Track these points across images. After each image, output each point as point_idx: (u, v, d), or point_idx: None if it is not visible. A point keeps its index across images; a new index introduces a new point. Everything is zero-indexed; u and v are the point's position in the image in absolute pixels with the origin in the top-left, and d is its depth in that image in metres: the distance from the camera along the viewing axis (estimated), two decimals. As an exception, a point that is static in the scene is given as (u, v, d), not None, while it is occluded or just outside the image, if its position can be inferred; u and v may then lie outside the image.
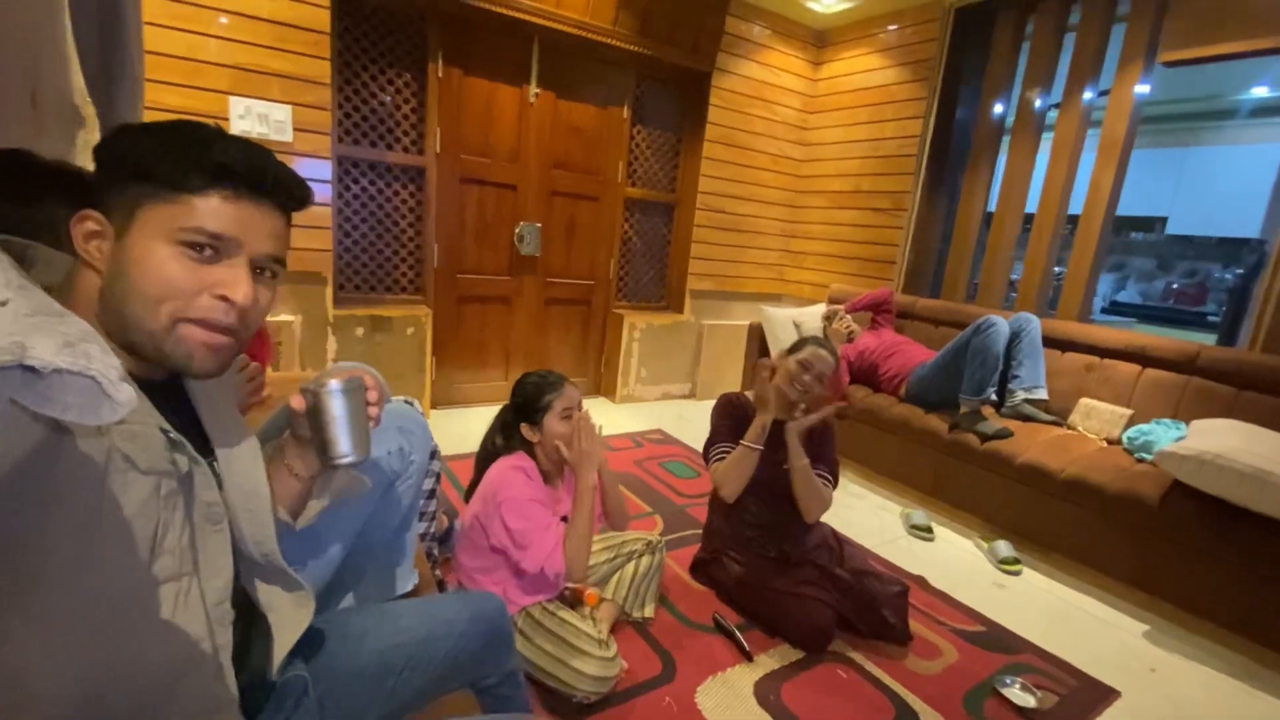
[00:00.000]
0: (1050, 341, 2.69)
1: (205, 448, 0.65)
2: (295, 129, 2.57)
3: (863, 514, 2.57)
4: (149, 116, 1.84)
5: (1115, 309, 10.09)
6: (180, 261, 0.56)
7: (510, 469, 1.45)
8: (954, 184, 3.54)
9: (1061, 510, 2.20)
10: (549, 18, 3.05)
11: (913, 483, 2.74)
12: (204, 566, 0.61)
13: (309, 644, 0.78)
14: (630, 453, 2.98)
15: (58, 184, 0.82)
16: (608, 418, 3.49)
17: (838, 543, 1.89)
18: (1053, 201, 3.03)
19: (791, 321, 3.48)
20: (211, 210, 0.57)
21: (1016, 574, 2.17)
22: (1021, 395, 2.57)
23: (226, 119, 2.42)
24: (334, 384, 0.69)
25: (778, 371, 1.76)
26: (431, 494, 1.54)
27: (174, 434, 0.58)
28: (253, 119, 2.49)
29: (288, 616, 0.71)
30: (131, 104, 1.81)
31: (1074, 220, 3.01)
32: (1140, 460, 2.16)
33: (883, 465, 2.87)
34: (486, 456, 1.58)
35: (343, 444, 0.70)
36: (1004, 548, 2.24)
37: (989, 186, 3.37)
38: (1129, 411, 2.41)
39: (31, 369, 0.30)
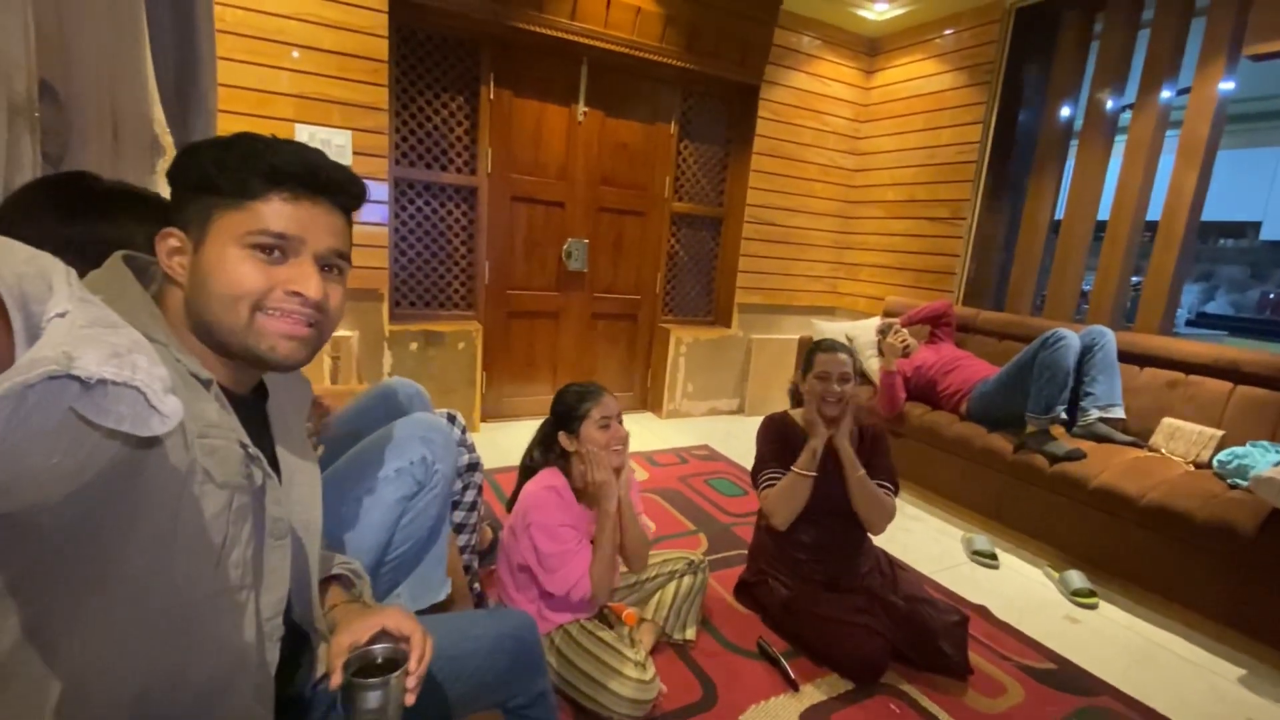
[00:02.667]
0: (1127, 356, 2.50)
1: (274, 467, 0.67)
2: (355, 153, 2.69)
3: (920, 538, 2.44)
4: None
5: (1203, 321, 9.36)
6: (251, 263, 0.60)
7: (543, 489, 1.44)
8: (1018, 191, 3.37)
9: (1142, 539, 2.03)
10: (597, 38, 3.10)
11: (975, 506, 2.59)
12: (264, 581, 0.62)
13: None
14: (676, 469, 2.94)
15: (126, 205, 0.86)
16: (654, 433, 3.47)
17: (891, 568, 1.80)
18: (1128, 207, 2.83)
19: (844, 335, 3.38)
20: (273, 212, 0.60)
21: (1092, 607, 2.01)
22: (1096, 414, 2.39)
23: (292, 145, 2.55)
24: (373, 685, 0.63)
25: (806, 395, 1.70)
26: (473, 506, 1.55)
27: (252, 448, 0.60)
28: (316, 145, 2.61)
29: (323, 640, 0.72)
30: (206, 134, 1.94)
31: (1152, 227, 2.81)
32: (1233, 486, 1.97)
33: (942, 487, 2.73)
34: (526, 470, 1.58)
35: None
36: (1077, 578, 2.08)
37: (1056, 193, 3.19)
38: (1220, 433, 2.21)
39: (79, 379, 0.30)
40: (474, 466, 1.50)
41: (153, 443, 0.47)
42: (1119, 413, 2.39)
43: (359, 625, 0.69)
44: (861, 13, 3.64)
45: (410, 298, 3.20)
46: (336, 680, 0.64)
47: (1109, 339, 2.45)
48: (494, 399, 3.42)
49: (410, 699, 0.65)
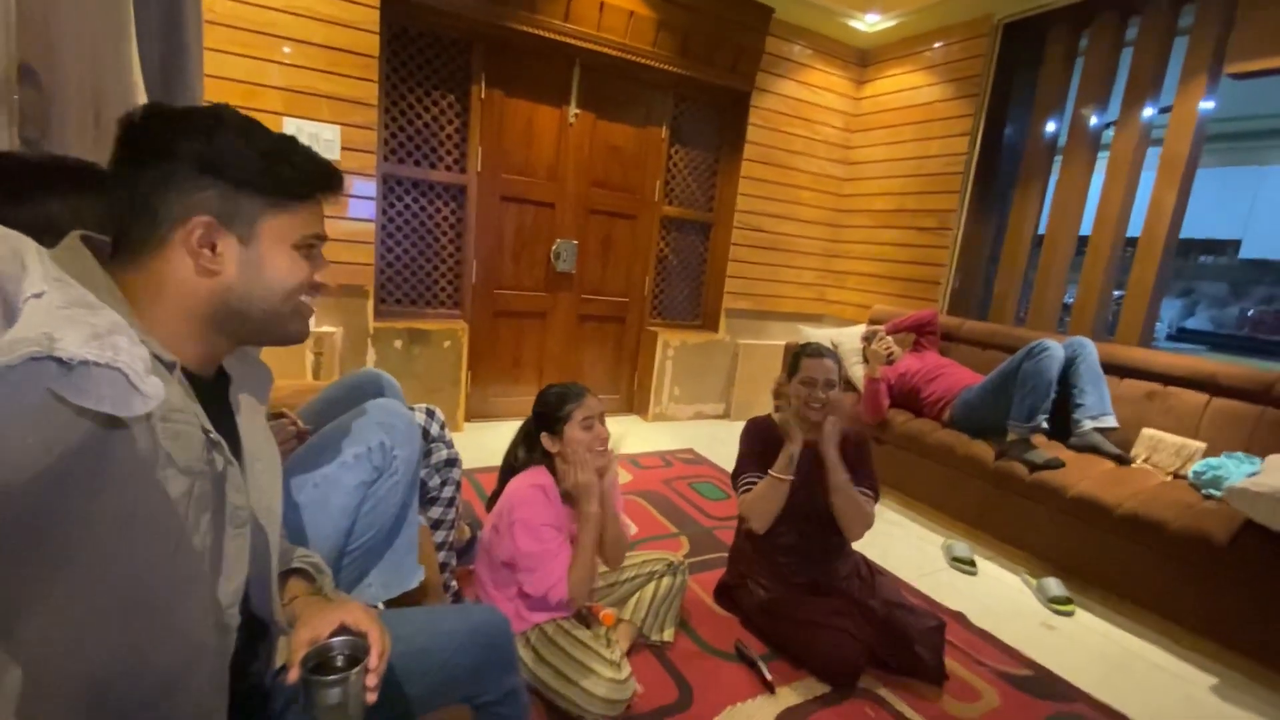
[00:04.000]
0: (1108, 368, 2.53)
1: (235, 453, 0.66)
2: (343, 148, 2.68)
3: (901, 544, 2.45)
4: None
5: (1184, 336, 9.52)
6: (299, 263, 0.66)
7: (529, 487, 1.43)
8: (1003, 204, 3.42)
9: (1118, 548, 2.05)
10: (590, 40, 3.11)
11: (955, 513, 2.60)
12: (222, 568, 0.61)
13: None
14: (659, 471, 2.94)
15: (66, 178, 0.82)
16: (639, 435, 3.46)
17: (870, 573, 1.80)
18: (1109, 222, 2.88)
19: (830, 342, 3.40)
20: (316, 216, 0.67)
21: (1068, 615, 2.03)
22: (1089, 424, 2.40)
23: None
24: (332, 681, 0.62)
25: (790, 400, 1.71)
26: (451, 503, 1.54)
27: (214, 434, 0.59)
28: (304, 138, 2.59)
29: (284, 631, 0.71)
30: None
31: (1133, 242, 2.86)
32: (1208, 497, 2.00)
33: (923, 493, 2.74)
34: (509, 469, 1.57)
35: None
36: (1054, 585, 2.10)
37: (1040, 207, 3.23)
38: (1202, 445, 2.23)
39: (60, 360, 0.29)
40: (452, 463, 1.49)
41: (120, 424, 0.46)
42: (1111, 421, 2.40)
43: (318, 620, 0.68)
44: (853, 23, 3.68)
45: (396, 295, 3.18)
46: (294, 675, 0.64)
47: (1090, 349, 2.48)
48: (479, 399, 3.41)
49: (371, 697, 0.65)
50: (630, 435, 3.42)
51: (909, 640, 1.56)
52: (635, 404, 3.90)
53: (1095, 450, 2.34)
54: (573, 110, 3.32)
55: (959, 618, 1.92)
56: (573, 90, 3.30)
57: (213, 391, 0.66)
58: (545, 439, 1.49)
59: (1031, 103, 3.25)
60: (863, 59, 3.96)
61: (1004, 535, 2.41)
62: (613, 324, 3.75)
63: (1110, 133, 2.94)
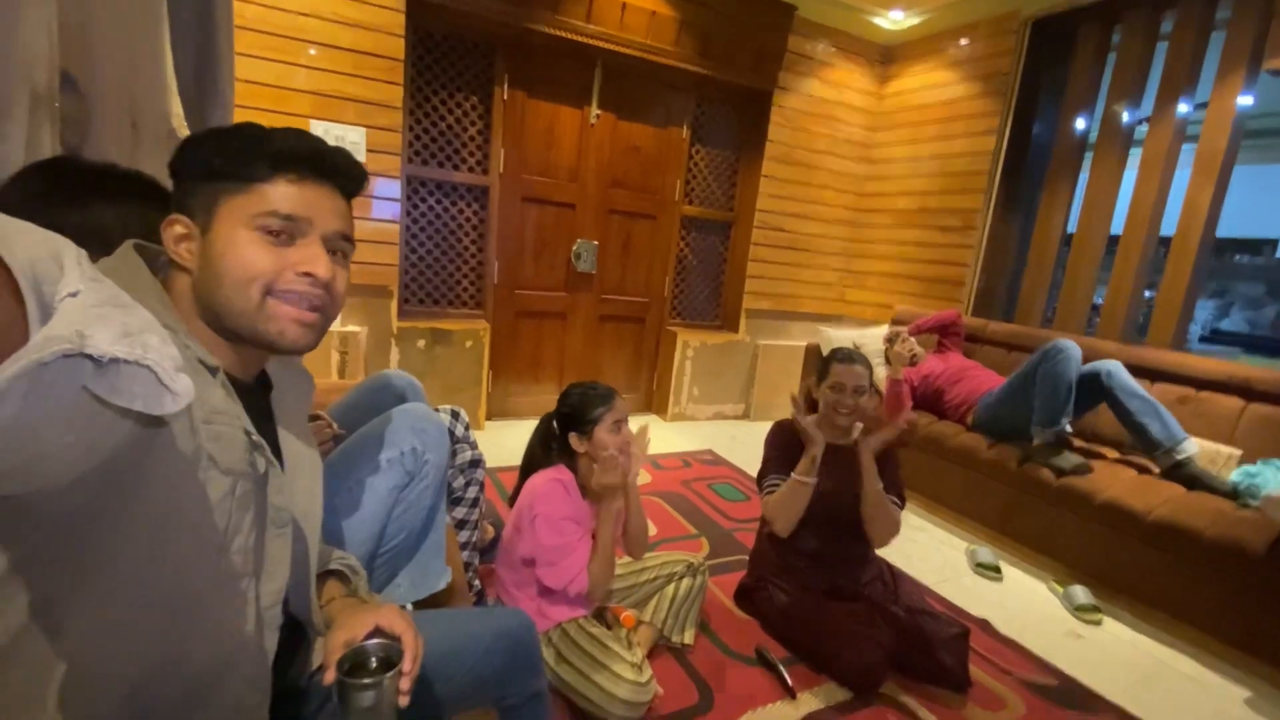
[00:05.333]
0: (1139, 371, 2.47)
1: (276, 456, 0.68)
2: (368, 150, 2.71)
3: (924, 549, 2.42)
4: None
5: (1217, 337, 9.25)
6: (261, 245, 0.60)
7: (550, 481, 1.45)
8: (1030, 202, 3.35)
9: (1148, 556, 2.00)
10: (612, 41, 3.11)
11: (979, 518, 2.57)
12: (264, 569, 0.62)
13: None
14: (679, 472, 2.94)
15: (120, 185, 0.85)
16: (658, 436, 3.45)
17: (893, 578, 1.79)
18: (1141, 221, 2.81)
19: (851, 343, 3.37)
20: (280, 194, 0.61)
21: (1096, 624, 1.99)
22: (1175, 458, 2.11)
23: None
24: (367, 684, 0.63)
25: (820, 403, 1.70)
26: (475, 503, 1.55)
27: (256, 435, 0.60)
28: (330, 140, 2.64)
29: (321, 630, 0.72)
30: (223, 124, 1.96)
31: (1166, 242, 2.79)
32: (1244, 505, 1.94)
33: (946, 498, 2.71)
34: (528, 467, 1.58)
35: None
36: (1081, 594, 2.06)
37: (1069, 205, 3.17)
38: (1237, 451, 2.18)
39: (90, 358, 0.30)
40: (476, 463, 1.51)
41: (160, 425, 0.47)
42: (1191, 448, 2.12)
43: (354, 622, 0.69)
44: (877, 21, 3.64)
45: (419, 295, 3.21)
46: (330, 676, 0.64)
47: (1119, 373, 2.26)
48: (500, 398, 3.43)
49: (404, 700, 0.65)
50: (650, 435, 3.42)
51: (932, 647, 1.55)
52: (654, 404, 3.91)
53: (1201, 486, 2.05)
54: (594, 111, 3.33)
55: (983, 624, 1.90)
56: (594, 91, 3.31)
57: (255, 395, 0.67)
58: (573, 439, 1.50)
59: (1061, 99, 3.18)
60: (886, 56, 3.91)
61: (1029, 541, 2.38)
62: (632, 324, 3.76)
63: (1143, 129, 2.87)
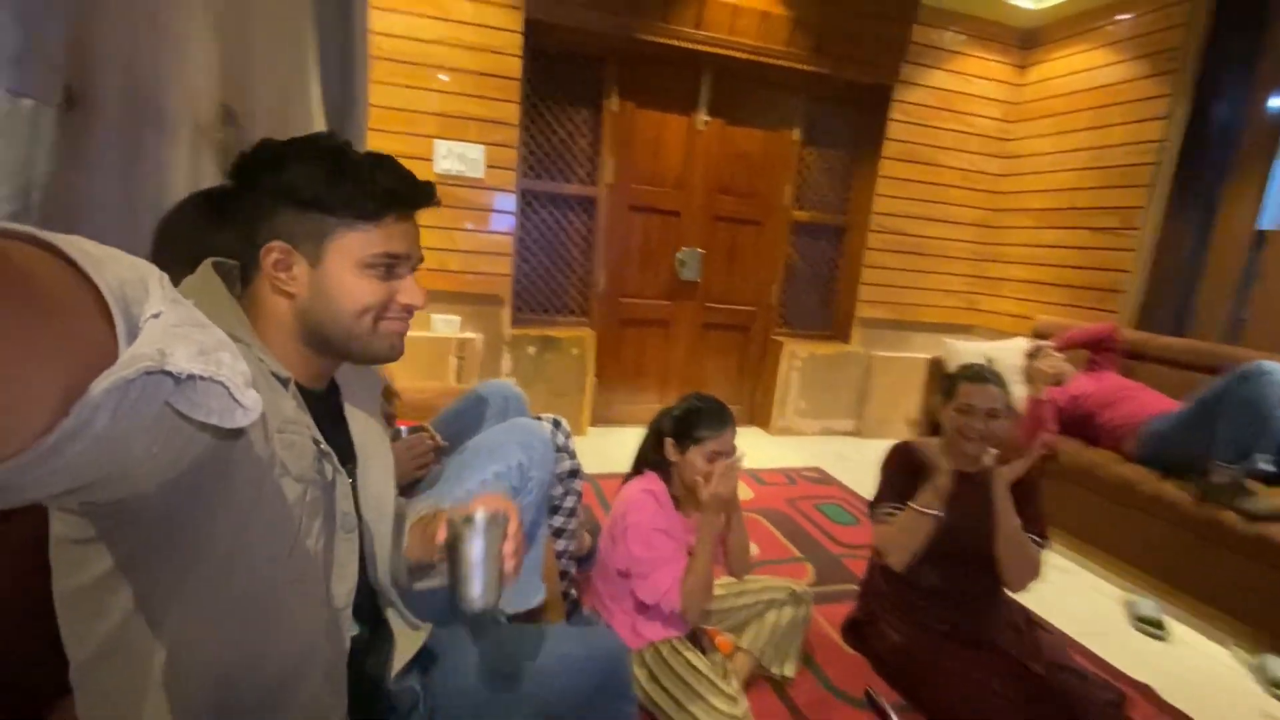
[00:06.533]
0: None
1: (348, 458, 0.70)
2: (487, 165, 2.85)
3: (1068, 594, 2.13)
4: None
5: None
6: (372, 283, 0.64)
7: (641, 492, 1.41)
8: (1209, 197, 2.88)
9: (1377, 628, 1.62)
10: (722, 45, 3.06)
11: (1139, 563, 2.22)
12: (334, 571, 0.65)
13: (426, 656, 0.79)
14: (782, 489, 2.81)
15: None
16: (761, 450, 3.34)
17: (1029, 625, 1.57)
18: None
19: (983, 357, 3.06)
20: (388, 235, 0.64)
21: (1299, 705, 1.64)
22: None
23: (430, 159, 2.76)
24: (478, 518, 0.67)
25: (944, 426, 1.52)
26: (573, 512, 1.56)
27: (324, 445, 0.63)
28: (453, 159, 2.81)
29: (406, 627, 0.74)
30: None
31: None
32: None
33: (1098, 537, 2.37)
34: (637, 470, 1.55)
35: (473, 588, 0.67)
36: (1278, 665, 1.71)
37: (1260, 199, 2.68)
38: None
39: (170, 374, 0.32)
40: (575, 473, 1.51)
41: (237, 436, 0.50)
42: None
43: (461, 506, 0.72)
44: (1015, 1, 3.30)
45: (530, 303, 3.33)
46: (442, 535, 0.69)
47: None
48: (603, 404, 3.47)
49: (509, 565, 0.69)
50: (751, 449, 3.31)
51: (1077, 712, 1.33)
52: (758, 416, 3.78)
53: None
54: (702, 117, 3.29)
55: (1145, 691, 1.62)
56: (702, 97, 3.27)
57: (325, 402, 0.70)
58: (670, 445, 1.45)
59: (1250, 74, 2.71)
60: (1026, 40, 3.54)
61: (1206, 595, 2.01)
62: (736, 333, 3.66)
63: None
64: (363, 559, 0.70)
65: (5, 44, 0.77)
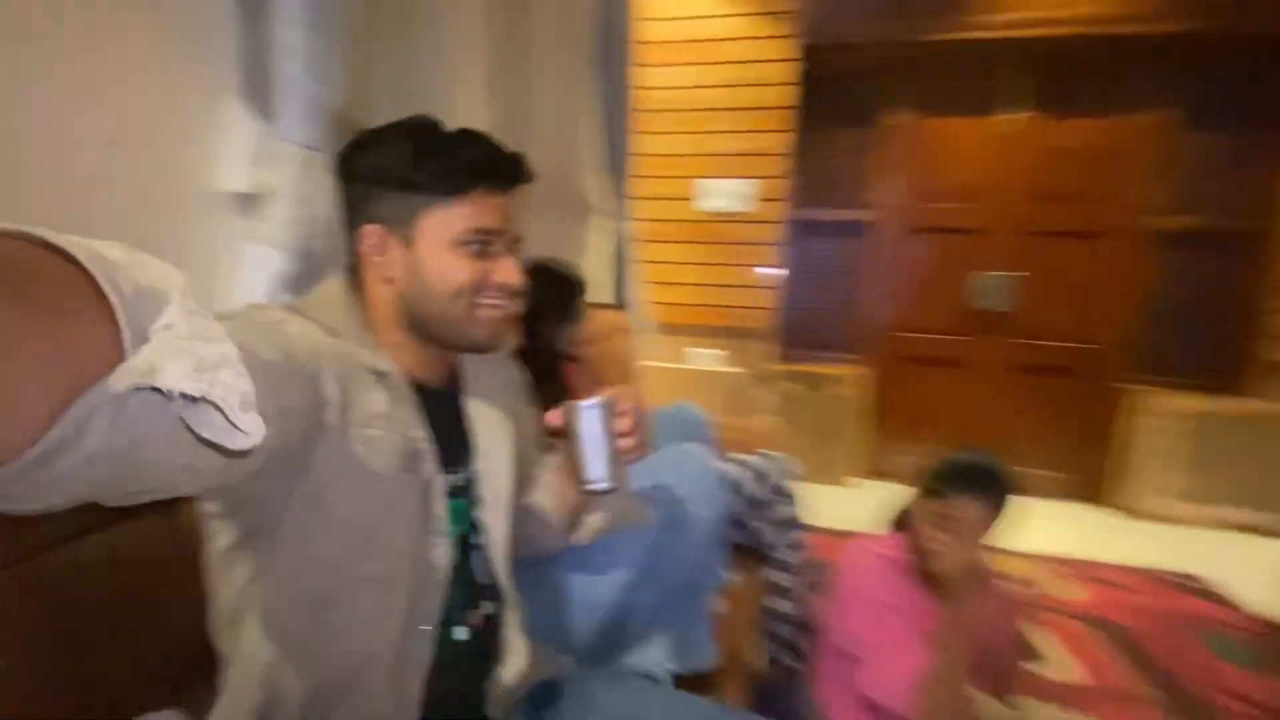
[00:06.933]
0: None
1: (459, 458, 0.68)
2: (758, 200, 2.77)
3: None
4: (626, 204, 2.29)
5: None
6: (465, 261, 0.62)
7: (872, 556, 1.12)
8: None
9: None
10: (1038, 25, 2.51)
11: None
12: (418, 577, 0.61)
13: (544, 696, 0.71)
14: (1137, 597, 2.01)
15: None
16: (1103, 539, 2.50)
17: None
18: None
19: None
20: (478, 210, 0.61)
21: None
22: None
23: (688, 199, 2.79)
24: (585, 402, 0.67)
25: None
26: (793, 568, 1.34)
27: (422, 441, 0.61)
28: (720, 196, 2.80)
29: (516, 652, 0.66)
30: (622, 195, 2.31)
31: None
32: None
33: None
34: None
35: (591, 468, 0.67)
36: None
37: None
38: None
39: (160, 391, 0.30)
40: (791, 523, 1.29)
41: (315, 431, 0.51)
42: None
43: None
44: None
45: (794, 338, 3.13)
46: (555, 416, 0.68)
47: None
48: (872, 454, 3.04)
49: (625, 443, 0.67)
50: (1086, 536, 2.49)
51: None
52: (1100, 490, 2.85)
53: None
54: (1007, 116, 2.74)
55: None
56: (1007, 93, 2.73)
57: (444, 399, 0.67)
58: (917, 501, 1.14)
59: None
60: None
61: None
62: (1062, 377, 2.87)
63: None
64: (470, 562, 0.66)
65: (296, 98, 0.86)
